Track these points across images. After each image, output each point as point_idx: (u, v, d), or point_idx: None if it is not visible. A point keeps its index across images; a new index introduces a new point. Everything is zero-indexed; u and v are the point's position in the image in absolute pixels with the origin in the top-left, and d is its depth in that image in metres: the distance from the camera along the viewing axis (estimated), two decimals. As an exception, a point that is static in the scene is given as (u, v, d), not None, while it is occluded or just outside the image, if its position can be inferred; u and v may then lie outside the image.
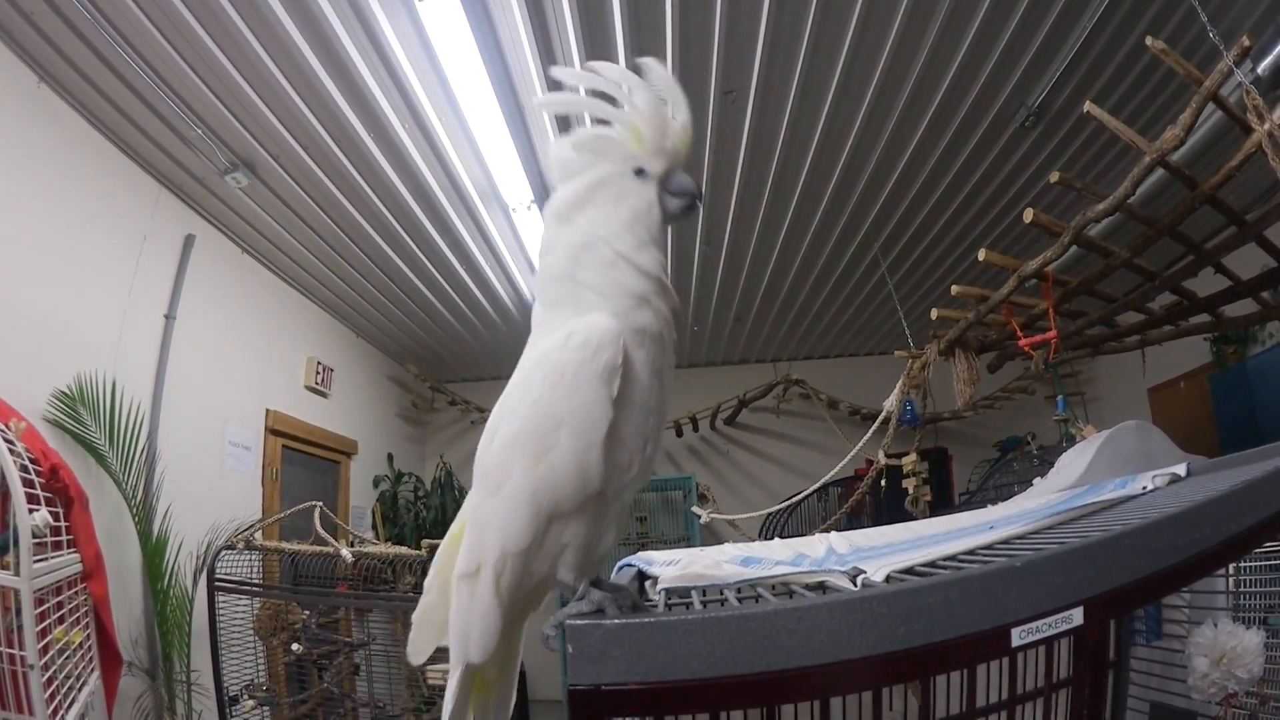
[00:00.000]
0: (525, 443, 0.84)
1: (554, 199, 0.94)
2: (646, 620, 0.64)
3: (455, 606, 0.89)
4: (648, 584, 1.12)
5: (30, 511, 2.36)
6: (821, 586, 0.93)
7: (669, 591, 1.03)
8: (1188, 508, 0.82)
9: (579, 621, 0.65)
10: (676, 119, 0.93)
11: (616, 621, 0.64)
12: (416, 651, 0.99)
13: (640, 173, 0.93)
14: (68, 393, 3.08)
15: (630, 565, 1.24)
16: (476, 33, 2.88)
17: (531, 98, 3.30)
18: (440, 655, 0.95)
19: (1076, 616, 0.69)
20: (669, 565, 1.16)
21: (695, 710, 0.65)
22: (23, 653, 2.28)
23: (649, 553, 1.32)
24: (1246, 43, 2.03)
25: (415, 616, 0.98)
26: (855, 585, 0.87)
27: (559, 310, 0.91)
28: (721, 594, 1.01)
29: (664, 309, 0.91)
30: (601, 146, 0.93)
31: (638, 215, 0.91)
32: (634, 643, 0.63)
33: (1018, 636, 0.67)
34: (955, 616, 0.67)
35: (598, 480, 0.82)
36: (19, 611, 2.31)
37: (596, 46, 3.01)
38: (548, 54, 3.04)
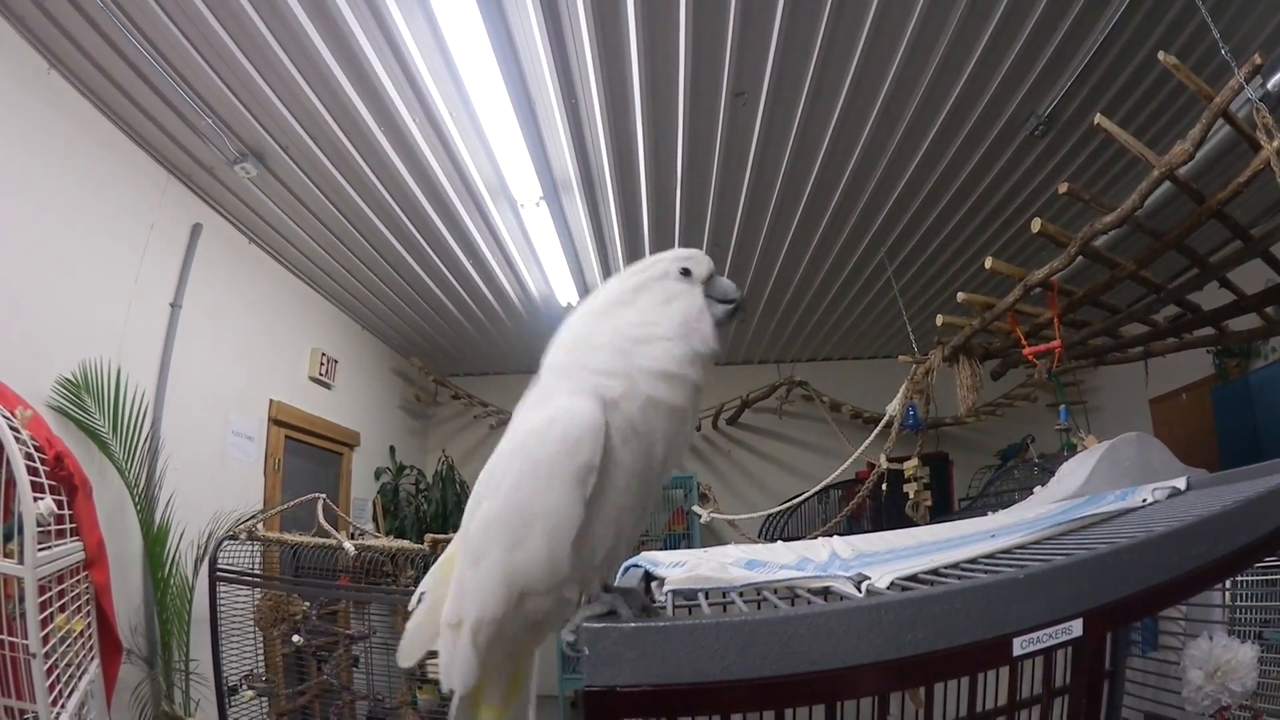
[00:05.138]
0: (502, 530, 0.86)
1: (593, 298, 0.94)
2: (661, 624, 0.65)
3: (442, 644, 0.94)
4: (654, 585, 1.14)
5: (35, 500, 2.36)
6: (826, 592, 0.94)
7: (675, 593, 1.04)
8: (1187, 524, 0.83)
9: (595, 625, 0.66)
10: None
11: (631, 625, 0.65)
12: (406, 656, 1.02)
13: (686, 273, 0.91)
14: (72, 380, 3.08)
15: (637, 566, 1.25)
16: (490, 28, 2.88)
17: (543, 94, 3.31)
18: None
19: (1076, 628, 0.71)
20: (675, 567, 1.17)
21: (708, 712, 0.66)
22: (25, 641, 2.28)
23: (654, 553, 1.34)
24: (1258, 60, 2.04)
25: (409, 624, 1.02)
26: (860, 591, 0.89)
27: (564, 380, 0.90)
28: (726, 597, 1.03)
29: (678, 435, 0.88)
30: (646, 263, 0.94)
31: (689, 318, 0.89)
32: (648, 646, 0.64)
33: (1019, 646, 0.69)
34: (959, 625, 0.68)
35: (567, 570, 0.84)
36: (22, 599, 2.31)
37: (610, 45, 3.02)
38: (561, 51, 3.05)
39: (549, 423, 0.84)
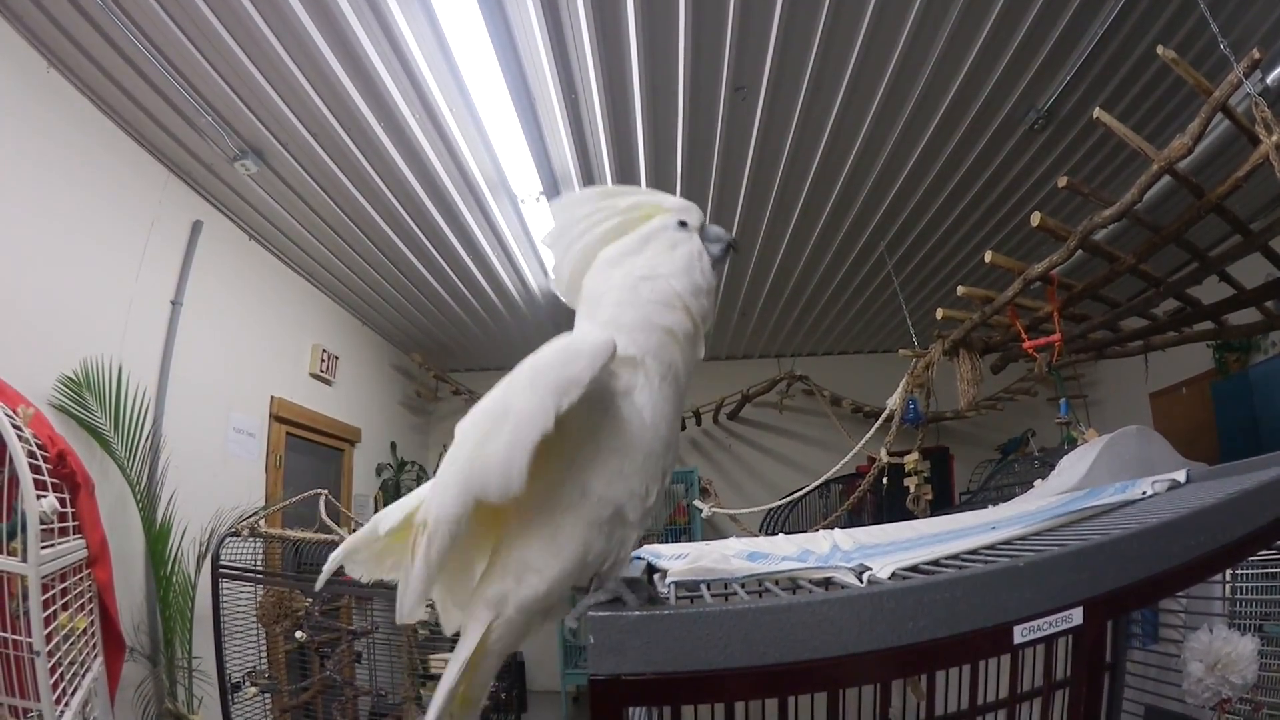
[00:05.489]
0: (481, 419, 0.86)
1: (604, 252, 1.03)
2: (666, 612, 0.66)
3: (408, 554, 0.89)
4: (656, 577, 1.14)
5: (37, 498, 2.36)
6: (828, 583, 0.95)
7: (677, 585, 1.05)
8: (1185, 515, 0.84)
9: (601, 613, 0.66)
10: None
11: (637, 613, 0.66)
12: (342, 557, 1.00)
13: (683, 225, 1.05)
14: (74, 378, 3.08)
15: (639, 558, 1.26)
16: (489, 23, 2.89)
17: (543, 90, 3.31)
18: (442, 645, 0.98)
19: (1076, 616, 0.71)
20: (677, 559, 1.18)
21: (712, 701, 0.67)
22: (28, 639, 2.28)
23: (656, 546, 1.35)
24: (1257, 55, 2.04)
25: (354, 539, 1.00)
26: (861, 582, 0.89)
27: (589, 320, 1.00)
28: (729, 588, 1.03)
29: (691, 357, 1.00)
30: (642, 199, 1.05)
31: (691, 260, 1.02)
32: (653, 634, 0.64)
33: (1019, 634, 0.69)
34: (961, 613, 0.69)
35: (519, 484, 0.79)
36: (25, 597, 2.31)
37: (609, 40, 3.02)
38: (560, 47, 3.05)
39: (560, 339, 0.90)
